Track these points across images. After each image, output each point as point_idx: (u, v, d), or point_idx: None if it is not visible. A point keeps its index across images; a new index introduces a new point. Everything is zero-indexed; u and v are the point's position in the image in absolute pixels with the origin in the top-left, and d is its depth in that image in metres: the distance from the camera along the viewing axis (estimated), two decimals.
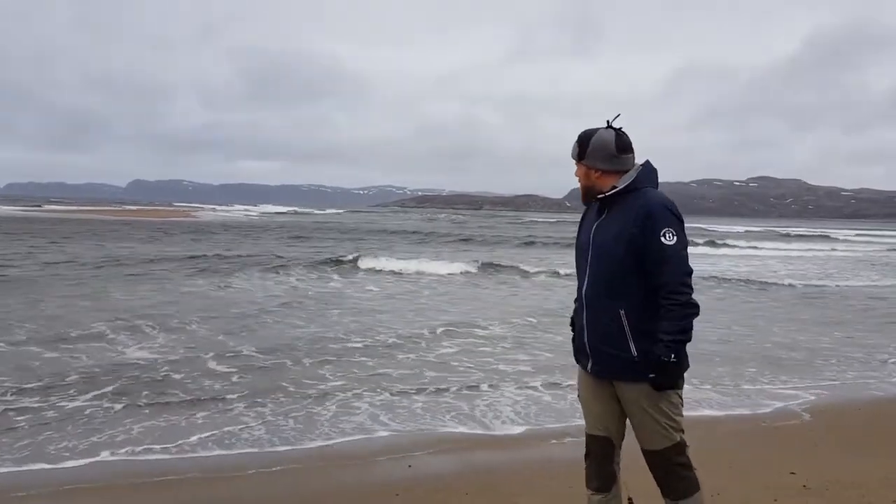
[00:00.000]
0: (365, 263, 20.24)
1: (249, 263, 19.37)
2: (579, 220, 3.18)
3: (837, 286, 19.28)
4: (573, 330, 3.19)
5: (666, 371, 2.78)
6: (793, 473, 4.66)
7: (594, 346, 2.94)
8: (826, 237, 58.03)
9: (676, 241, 2.79)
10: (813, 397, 6.94)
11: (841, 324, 12.18)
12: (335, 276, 17.83)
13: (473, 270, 20.14)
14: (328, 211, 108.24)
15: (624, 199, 2.89)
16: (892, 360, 9.03)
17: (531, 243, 37.07)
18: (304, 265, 19.47)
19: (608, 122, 2.98)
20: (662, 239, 2.78)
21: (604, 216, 2.95)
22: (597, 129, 2.97)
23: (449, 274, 19.24)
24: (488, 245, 35.30)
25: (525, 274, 19.93)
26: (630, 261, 2.82)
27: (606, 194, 2.91)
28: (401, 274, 18.84)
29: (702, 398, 6.69)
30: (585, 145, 2.97)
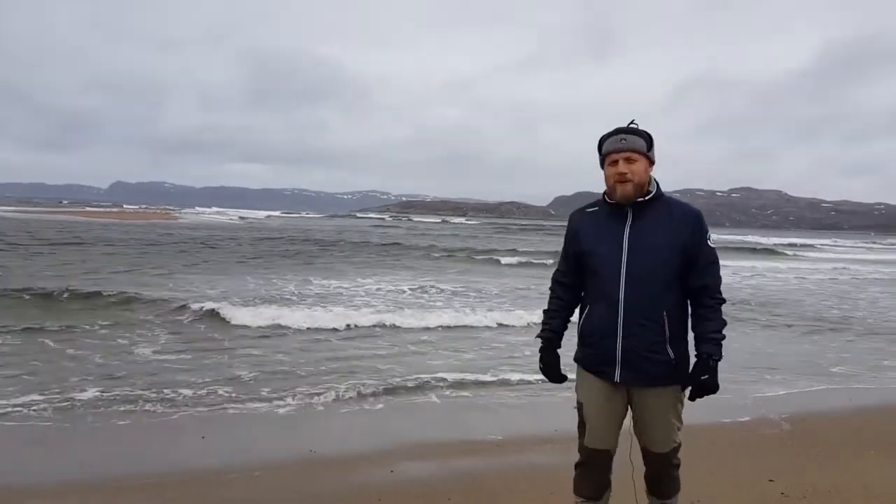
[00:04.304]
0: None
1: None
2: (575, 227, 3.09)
3: None
4: (546, 348, 3.17)
5: (716, 371, 2.87)
6: (771, 481, 4.71)
7: (630, 353, 2.88)
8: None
9: (714, 247, 2.94)
10: (792, 406, 7.00)
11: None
12: None
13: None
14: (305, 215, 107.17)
15: (652, 204, 2.92)
16: (869, 369, 9.15)
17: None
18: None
19: (633, 121, 2.98)
20: (709, 242, 2.91)
21: (633, 221, 2.90)
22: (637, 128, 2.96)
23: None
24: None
25: None
26: (680, 265, 2.87)
27: (645, 199, 2.90)
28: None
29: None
30: (650, 138, 2.94)
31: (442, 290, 16.41)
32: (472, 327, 11.49)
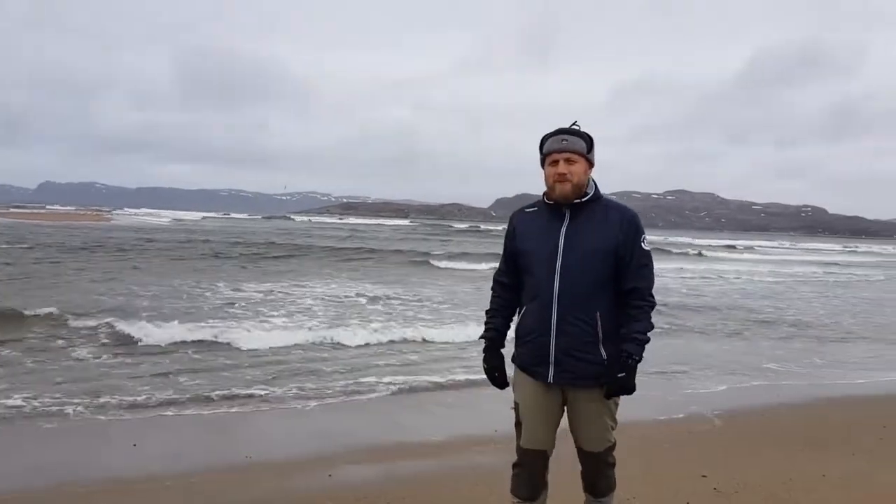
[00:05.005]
0: None
1: None
2: (511, 227, 3.13)
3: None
4: (490, 348, 3.18)
5: (634, 371, 2.89)
6: (704, 476, 4.82)
7: (563, 352, 2.90)
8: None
9: (650, 250, 2.98)
10: (724, 402, 7.19)
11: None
12: None
13: None
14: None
15: (589, 206, 2.95)
16: (799, 366, 9.46)
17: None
18: None
19: (575, 122, 2.99)
20: (643, 245, 2.94)
21: (570, 222, 2.93)
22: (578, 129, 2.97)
23: None
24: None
25: None
26: (614, 267, 2.90)
27: (583, 200, 2.93)
28: None
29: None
30: (591, 140, 2.97)
31: (378, 295, 16.26)
32: (409, 334, 11.28)
